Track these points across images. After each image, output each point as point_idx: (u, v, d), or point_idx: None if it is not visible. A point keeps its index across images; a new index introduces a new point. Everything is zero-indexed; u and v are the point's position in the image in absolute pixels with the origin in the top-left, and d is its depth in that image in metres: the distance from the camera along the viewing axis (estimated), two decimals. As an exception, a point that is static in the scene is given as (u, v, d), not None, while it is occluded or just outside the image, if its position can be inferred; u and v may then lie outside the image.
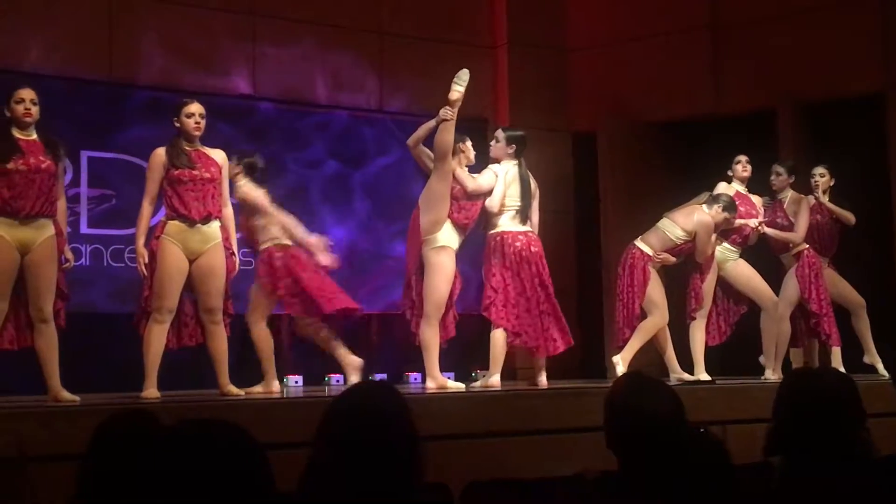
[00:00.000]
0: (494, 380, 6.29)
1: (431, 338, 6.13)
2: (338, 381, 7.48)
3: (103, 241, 7.08)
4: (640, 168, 8.56)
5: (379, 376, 7.57)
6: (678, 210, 6.99)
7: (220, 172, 5.55)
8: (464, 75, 6.17)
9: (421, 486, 2.11)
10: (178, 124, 5.51)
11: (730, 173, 7.31)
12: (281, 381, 6.50)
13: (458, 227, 6.25)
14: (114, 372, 5.95)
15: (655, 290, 6.82)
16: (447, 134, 6.12)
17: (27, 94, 5.15)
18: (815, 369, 5.46)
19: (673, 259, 6.91)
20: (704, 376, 6.88)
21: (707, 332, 7.08)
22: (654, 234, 6.92)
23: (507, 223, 6.38)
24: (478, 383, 6.55)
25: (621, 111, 8.74)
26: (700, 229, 6.85)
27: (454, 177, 6.23)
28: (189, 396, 5.73)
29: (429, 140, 6.23)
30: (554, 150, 8.60)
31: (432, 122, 6.17)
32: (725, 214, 6.90)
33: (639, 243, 6.91)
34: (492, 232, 6.40)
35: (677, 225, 6.88)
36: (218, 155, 5.60)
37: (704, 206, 6.94)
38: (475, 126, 8.02)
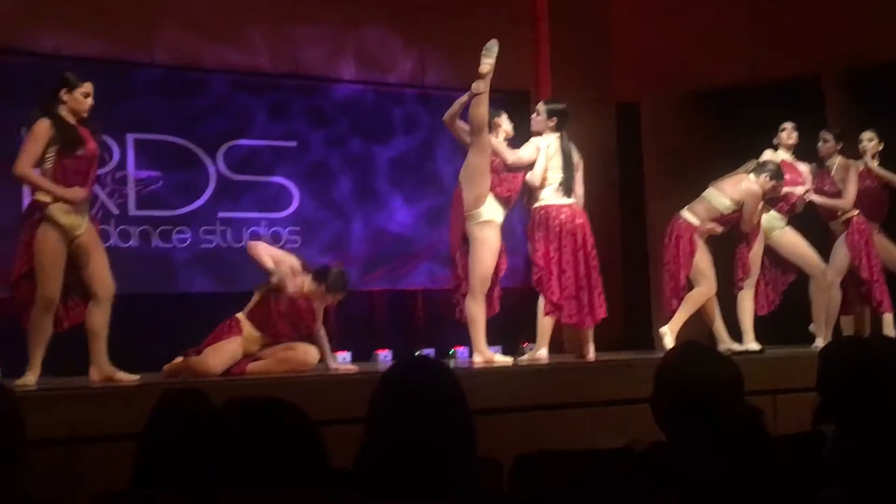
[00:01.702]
0: (542, 353, 6.30)
1: (477, 312, 6.15)
2: (385, 357, 7.53)
3: (151, 223, 7.16)
4: (684, 137, 8.48)
5: (426, 352, 7.60)
6: (725, 179, 6.92)
7: None
8: (493, 47, 6.13)
9: (472, 461, 2.12)
10: None
11: (775, 141, 7.23)
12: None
13: (501, 200, 6.25)
14: (168, 352, 6.02)
15: (703, 260, 6.77)
16: (481, 107, 6.10)
17: (90, 87, 5.24)
18: (854, 337, 5.42)
19: (720, 229, 6.85)
20: (754, 346, 6.83)
21: (755, 302, 7.03)
22: (701, 204, 6.86)
23: (551, 196, 6.37)
24: (525, 357, 6.56)
25: (664, 80, 8.65)
26: (747, 199, 6.79)
27: (493, 150, 6.23)
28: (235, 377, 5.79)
29: (464, 115, 6.22)
30: (597, 121, 8.53)
31: (465, 97, 6.16)
32: (773, 182, 6.82)
33: (685, 213, 6.86)
34: (535, 206, 6.39)
35: (724, 194, 6.82)
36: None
37: (752, 174, 6.87)
38: (517, 99, 7.99)
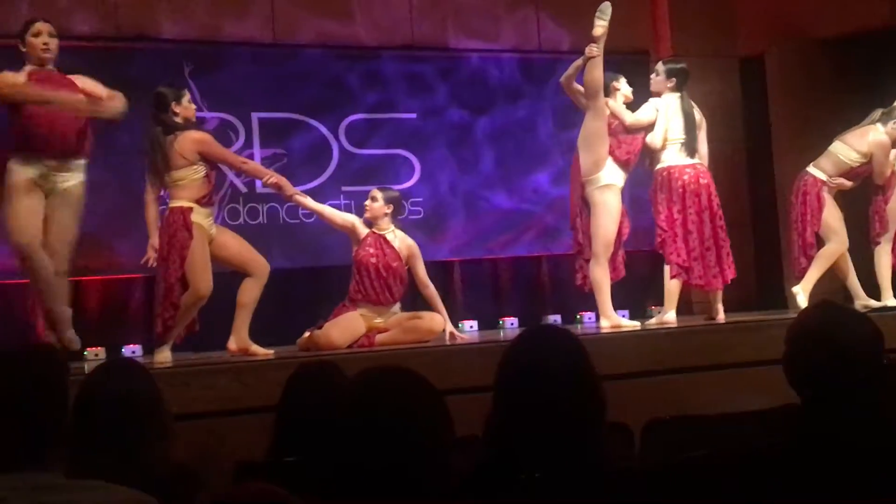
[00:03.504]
0: (670, 316, 6.22)
1: (602, 277, 6.11)
2: (512, 324, 7.55)
3: (278, 199, 7.30)
4: (812, 89, 8.19)
5: (553, 318, 7.60)
6: (851, 131, 6.70)
7: None
8: (606, 9, 6.03)
9: (602, 427, 2.12)
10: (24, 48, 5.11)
11: (907, 88, 6.95)
12: (456, 326, 6.60)
13: (621, 163, 6.19)
14: (302, 326, 6.15)
15: (832, 216, 6.60)
16: (596, 71, 6.03)
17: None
18: None
19: (849, 183, 6.65)
20: (892, 302, 6.61)
21: (893, 256, 6.79)
22: (827, 158, 6.67)
23: (673, 157, 6.27)
24: (653, 320, 6.50)
25: (790, 31, 8.35)
26: (876, 150, 6.56)
27: (611, 112, 6.16)
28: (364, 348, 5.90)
29: (581, 79, 6.15)
30: (720, 77, 8.32)
31: (580, 61, 6.09)
32: None
33: (811, 169, 6.69)
34: (658, 167, 6.31)
35: (851, 147, 6.62)
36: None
37: (878, 123, 6.63)
38: (636, 60, 7.85)
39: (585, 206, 6.20)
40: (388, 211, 6.03)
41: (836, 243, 6.60)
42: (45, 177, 5.04)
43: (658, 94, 6.37)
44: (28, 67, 5.13)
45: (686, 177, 6.23)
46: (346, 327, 5.78)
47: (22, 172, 5.01)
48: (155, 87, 5.57)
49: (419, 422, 1.71)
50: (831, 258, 6.61)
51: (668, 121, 6.26)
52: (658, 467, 2.24)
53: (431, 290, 6.03)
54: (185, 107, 5.45)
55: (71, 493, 1.91)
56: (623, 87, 6.29)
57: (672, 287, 6.27)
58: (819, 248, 6.66)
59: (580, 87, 6.17)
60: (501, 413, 2.08)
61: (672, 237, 6.21)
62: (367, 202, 6.08)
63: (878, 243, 6.74)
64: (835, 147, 6.68)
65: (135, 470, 2.22)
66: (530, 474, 1.98)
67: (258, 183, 7.25)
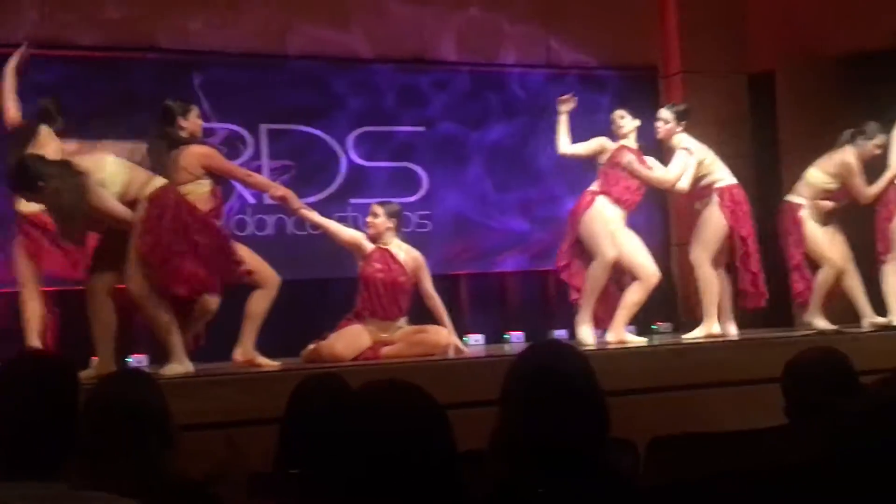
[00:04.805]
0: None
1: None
2: (518, 338, 7.54)
3: (286, 211, 7.30)
4: (822, 107, 8.17)
5: (559, 333, 7.59)
6: (825, 155, 6.76)
7: None
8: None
9: (606, 443, 2.13)
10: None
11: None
12: (462, 340, 6.59)
13: (622, 203, 6.38)
14: (307, 338, 6.15)
15: (814, 241, 6.65)
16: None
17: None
18: None
19: (831, 205, 6.71)
20: (899, 320, 6.61)
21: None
22: (801, 183, 6.78)
23: (730, 176, 6.46)
24: (694, 333, 6.50)
25: (801, 48, 8.34)
26: (842, 171, 6.63)
27: (641, 178, 6.29)
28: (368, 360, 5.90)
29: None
30: (729, 92, 8.30)
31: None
32: (874, 142, 6.62)
33: (789, 197, 6.80)
34: (720, 185, 6.45)
35: (821, 170, 6.72)
36: None
37: (848, 145, 6.68)
38: (644, 76, 7.85)
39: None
40: (391, 225, 6.03)
41: (826, 267, 6.68)
42: None
43: (666, 140, 6.46)
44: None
45: (743, 197, 6.47)
46: (350, 340, 5.78)
47: None
48: (162, 98, 5.57)
49: (418, 434, 1.72)
50: (827, 282, 6.68)
51: (699, 152, 6.40)
52: (662, 483, 2.24)
53: (437, 301, 6.04)
54: (192, 122, 5.47)
55: None
56: (626, 124, 6.35)
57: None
58: (809, 266, 6.71)
59: (581, 152, 6.38)
60: (506, 427, 2.08)
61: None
62: (369, 218, 6.07)
63: (884, 262, 6.74)
64: (807, 172, 6.78)
65: (141, 481, 2.23)
66: (534, 489, 1.98)
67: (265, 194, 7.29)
